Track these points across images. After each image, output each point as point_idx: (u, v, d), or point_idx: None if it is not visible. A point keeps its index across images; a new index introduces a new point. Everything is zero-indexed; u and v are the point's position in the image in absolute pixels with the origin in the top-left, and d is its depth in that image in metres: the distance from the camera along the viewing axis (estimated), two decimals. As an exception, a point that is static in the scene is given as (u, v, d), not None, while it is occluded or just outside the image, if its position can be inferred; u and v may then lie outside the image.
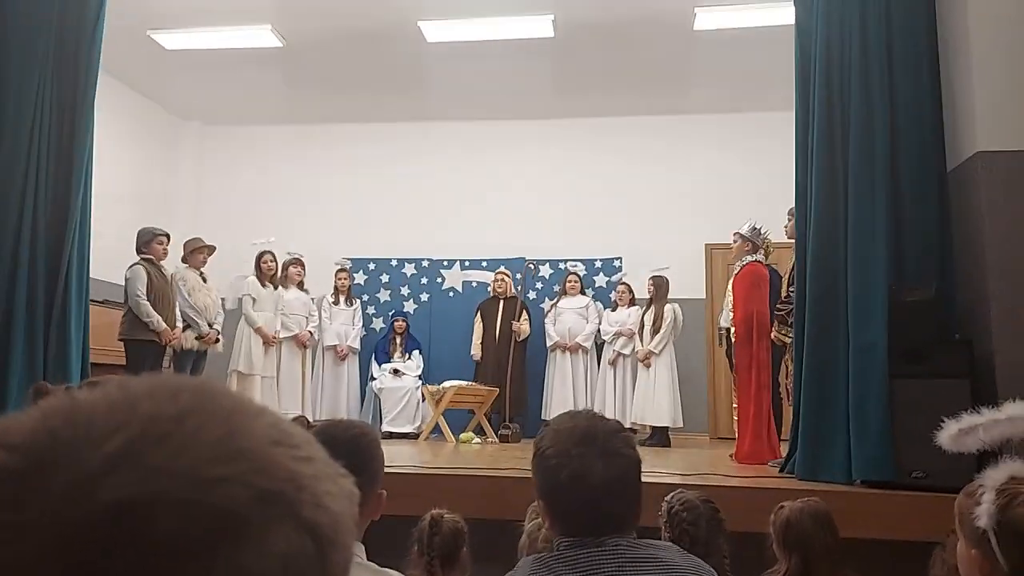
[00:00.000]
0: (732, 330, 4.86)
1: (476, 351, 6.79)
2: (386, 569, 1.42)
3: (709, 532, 2.11)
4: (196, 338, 5.30)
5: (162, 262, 5.19)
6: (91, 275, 4.64)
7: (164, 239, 5.21)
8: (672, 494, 2.21)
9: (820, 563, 2.05)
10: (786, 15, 4.61)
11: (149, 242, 5.14)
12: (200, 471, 0.29)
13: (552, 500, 1.27)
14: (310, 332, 6.45)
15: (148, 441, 0.30)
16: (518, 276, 6.98)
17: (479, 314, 6.90)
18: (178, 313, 5.21)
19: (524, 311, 6.78)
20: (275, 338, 6.08)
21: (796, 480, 3.58)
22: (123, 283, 5.06)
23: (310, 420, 4.77)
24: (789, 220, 4.75)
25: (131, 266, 5.06)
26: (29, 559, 0.27)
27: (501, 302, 6.85)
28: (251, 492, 0.30)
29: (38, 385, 1.23)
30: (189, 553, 0.28)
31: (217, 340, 5.47)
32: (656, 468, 3.89)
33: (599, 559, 1.21)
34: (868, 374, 3.50)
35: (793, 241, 4.28)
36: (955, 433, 1.65)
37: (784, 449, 4.22)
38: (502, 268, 7.03)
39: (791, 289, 4.45)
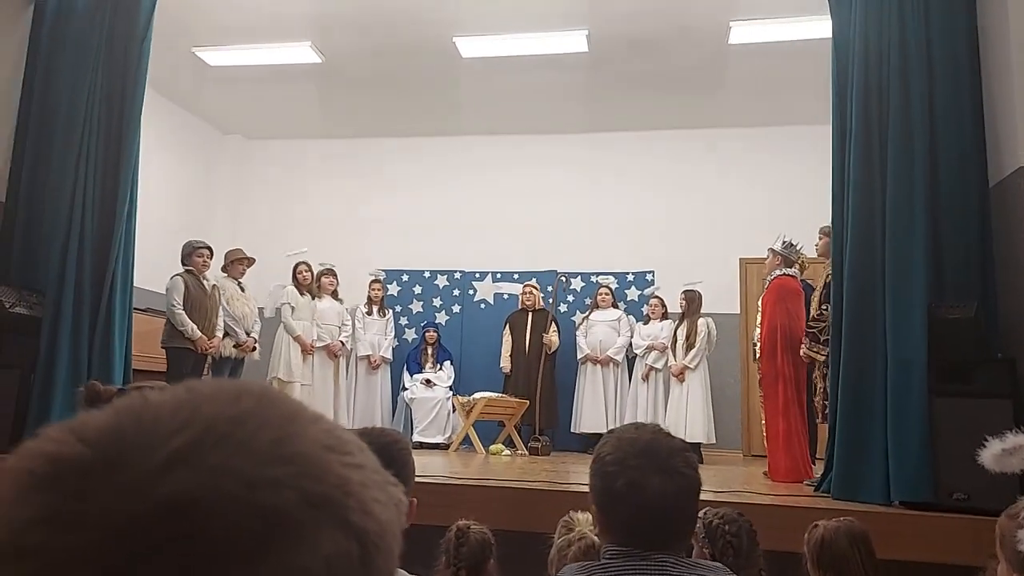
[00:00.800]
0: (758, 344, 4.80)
1: (505, 364, 6.79)
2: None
3: (748, 545, 2.09)
4: (234, 346, 5.44)
5: (203, 273, 5.33)
6: (134, 284, 4.78)
7: (205, 252, 5.35)
8: (704, 511, 2.19)
9: (855, 584, 2.01)
10: (822, 28, 4.57)
11: (190, 254, 5.30)
12: (254, 471, 0.31)
13: (605, 507, 1.27)
14: (341, 343, 6.53)
15: (208, 441, 0.31)
16: (549, 289, 6.98)
17: (507, 327, 6.91)
18: (220, 322, 5.34)
19: (553, 323, 6.77)
20: (313, 346, 6.19)
21: (831, 499, 3.51)
22: (164, 292, 5.23)
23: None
24: (820, 239, 4.69)
25: (172, 277, 5.23)
26: (86, 549, 0.28)
27: (530, 314, 6.85)
28: (300, 494, 0.31)
29: (90, 384, 1.27)
30: (238, 550, 0.29)
31: (254, 348, 5.59)
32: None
33: (643, 573, 1.19)
34: (907, 392, 3.42)
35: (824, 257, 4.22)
36: (999, 453, 1.61)
37: (818, 468, 4.13)
38: (531, 280, 7.04)
39: (823, 307, 4.38)
